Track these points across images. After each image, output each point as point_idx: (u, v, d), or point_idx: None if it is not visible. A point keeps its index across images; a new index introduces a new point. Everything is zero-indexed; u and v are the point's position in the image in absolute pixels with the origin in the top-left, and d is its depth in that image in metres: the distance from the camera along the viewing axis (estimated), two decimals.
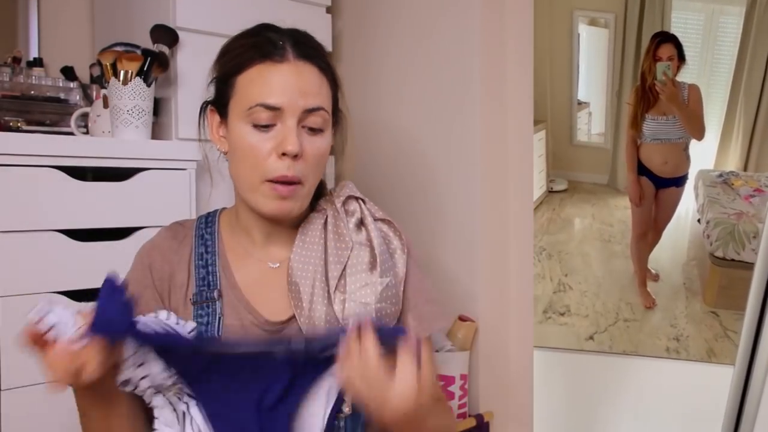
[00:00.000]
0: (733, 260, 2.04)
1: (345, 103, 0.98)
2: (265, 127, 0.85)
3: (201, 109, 0.96)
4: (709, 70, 2.08)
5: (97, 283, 0.72)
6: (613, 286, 2.07)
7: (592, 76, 2.15)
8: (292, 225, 0.95)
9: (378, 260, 0.91)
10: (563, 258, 2.07)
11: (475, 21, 1.59)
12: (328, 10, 1.70)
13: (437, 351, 1.53)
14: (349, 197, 0.97)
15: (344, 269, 0.90)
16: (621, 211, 2.16)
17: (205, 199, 1.40)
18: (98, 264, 1.24)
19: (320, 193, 0.99)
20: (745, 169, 2.23)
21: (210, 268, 0.93)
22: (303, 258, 0.92)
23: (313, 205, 0.98)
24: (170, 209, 1.33)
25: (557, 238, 2.10)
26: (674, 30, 2.02)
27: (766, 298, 1.18)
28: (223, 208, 1.02)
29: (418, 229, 1.77)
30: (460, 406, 1.54)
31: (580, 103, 2.19)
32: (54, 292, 1.19)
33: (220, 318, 0.90)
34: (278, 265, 0.94)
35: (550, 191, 2.15)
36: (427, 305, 0.96)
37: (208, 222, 0.98)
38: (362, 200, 0.98)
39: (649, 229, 2.09)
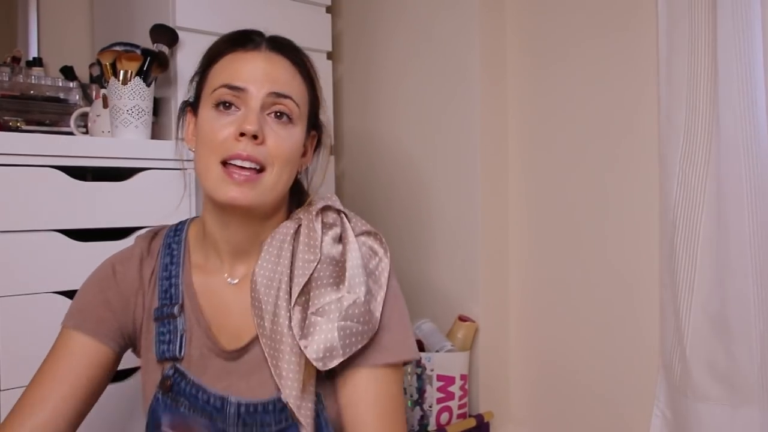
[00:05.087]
0: None
1: (326, 116, 0.92)
2: (228, 107, 0.81)
3: (180, 110, 0.91)
4: None
5: None
6: None
7: None
8: (262, 238, 0.87)
9: (347, 275, 0.82)
10: None
11: (475, 21, 1.59)
12: (328, 10, 1.70)
13: (437, 351, 1.53)
14: (327, 207, 0.88)
15: (309, 281, 0.82)
16: None
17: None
18: (98, 264, 1.24)
19: (300, 201, 0.92)
20: None
21: (173, 281, 0.88)
22: (267, 271, 0.84)
23: (290, 215, 0.91)
24: (170, 209, 1.33)
25: None
26: None
27: None
28: (195, 217, 0.97)
29: (418, 229, 1.77)
30: (460, 406, 1.54)
31: None
32: (54, 292, 1.19)
33: (182, 336, 0.86)
34: (237, 281, 0.88)
35: None
36: (402, 332, 0.86)
37: (177, 231, 0.94)
38: (344, 213, 0.89)
39: None
